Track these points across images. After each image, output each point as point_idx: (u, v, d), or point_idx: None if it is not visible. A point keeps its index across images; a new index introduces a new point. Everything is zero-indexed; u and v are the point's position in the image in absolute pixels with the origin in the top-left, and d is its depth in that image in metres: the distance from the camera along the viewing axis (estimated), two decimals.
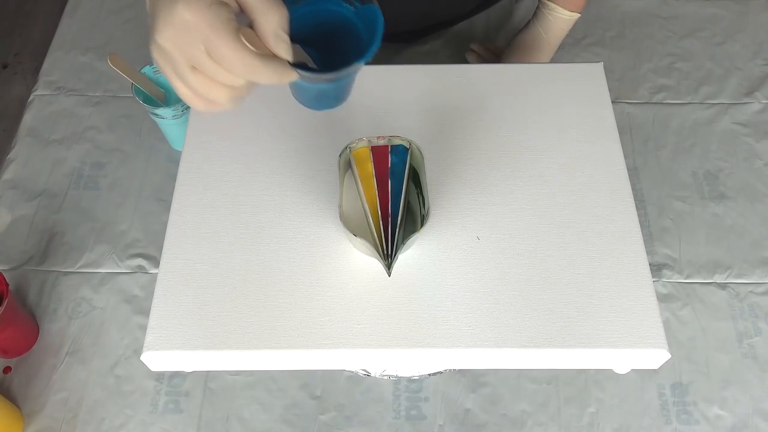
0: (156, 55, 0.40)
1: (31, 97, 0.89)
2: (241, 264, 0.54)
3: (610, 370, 0.54)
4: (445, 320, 0.51)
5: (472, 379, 0.68)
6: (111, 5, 0.97)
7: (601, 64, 0.66)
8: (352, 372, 0.68)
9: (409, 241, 0.51)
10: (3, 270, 0.73)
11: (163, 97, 0.76)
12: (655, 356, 0.51)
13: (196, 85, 0.40)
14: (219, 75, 0.39)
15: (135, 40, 0.94)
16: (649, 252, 0.75)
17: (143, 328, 0.52)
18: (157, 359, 0.51)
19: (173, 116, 0.75)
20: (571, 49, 0.93)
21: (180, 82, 0.40)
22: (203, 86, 0.40)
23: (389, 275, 0.50)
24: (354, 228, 0.51)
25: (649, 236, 0.77)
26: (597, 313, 0.51)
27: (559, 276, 0.53)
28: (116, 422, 0.66)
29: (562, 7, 0.79)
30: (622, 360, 0.52)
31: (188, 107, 0.62)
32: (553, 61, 0.86)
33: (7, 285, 0.64)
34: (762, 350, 0.70)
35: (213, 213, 0.57)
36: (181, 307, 0.52)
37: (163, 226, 0.56)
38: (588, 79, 0.65)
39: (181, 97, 0.41)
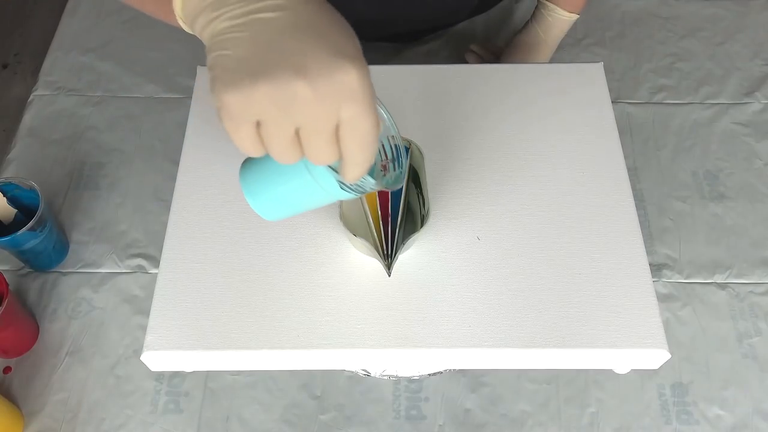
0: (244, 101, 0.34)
1: (31, 97, 0.89)
2: (241, 264, 0.54)
3: (610, 370, 0.54)
4: (445, 320, 0.51)
5: (472, 379, 0.68)
6: (111, 5, 0.97)
7: (601, 64, 0.66)
8: (352, 372, 0.68)
9: (409, 241, 0.51)
10: (3, 270, 0.73)
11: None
12: (655, 356, 0.51)
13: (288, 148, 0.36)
14: (328, 145, 0.36)
15: (135, 40, 0.94)
16: (649, 252, 0.75)
17: (143, 328, 0.52)
18: (157, 359, 0.51)
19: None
20: (571, 49, 0.93)
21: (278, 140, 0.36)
22: (315, 151, 0.36)
23: (389, 275, 0.50)
24: (354, 228, 0.51)
25: (649, 236, 0.77)
26: (597, 313, 0.51)
27: (559, 276, 0.53)
28: (116, 422, 0.66)
29: (560, 7, 0.79)
30: (622, 360, 0.52)
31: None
32: (553, 61, 0.86)
33: (7, 285, 0.64)
34: (762, 350, 0.70)
35: (213, 213, 0.57)
36: (181, 307, 0.52)
37: (163, 226, 0.56)
38: (588, 79, 0.65)
39: (244, 146, 0.37)
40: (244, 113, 0.35)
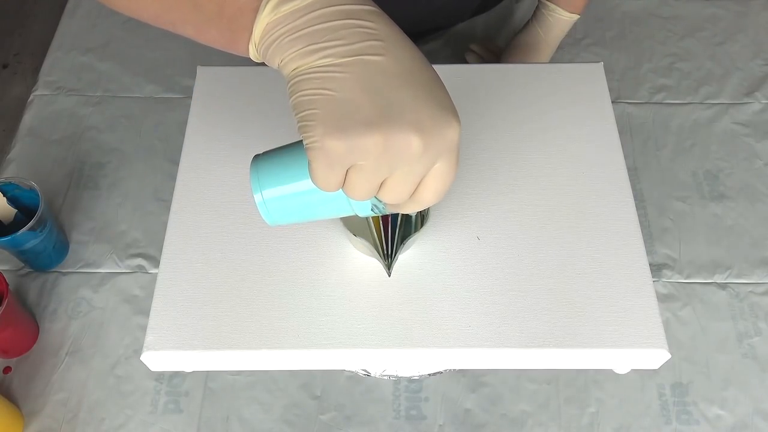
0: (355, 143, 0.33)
1: (31, 97, 0.89)
2: (241, 264, 0.54)
3: (610, 370, 0.54)
4: (445, 320, 0.51)
5: (472, 379, 0.68)
6: None
7: (601, 64, 0.66)
8: (352, 372, 0.68)
9: (409, 241, 0.51)
10: (3, 270, 0.73)
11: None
12: (655, 356, 0.51)
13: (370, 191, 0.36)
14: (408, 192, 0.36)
15: (135, 40, 0.94)
16: (649, 252, 0.75)
17: (143, 328, 0.52)
18: (157, 359, 0.51)
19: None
20: (571, 49, 0.93)
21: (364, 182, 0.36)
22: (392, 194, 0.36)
23: (389, 275, 0.50)
24: (354, 228, 0.51)
25: (649, 236, 0.77)
26: (597, 313, 0.51)
27: (559, 276, 0.53)
28: (116, 422, 0.66)
29: (561, 8, 0.79)
30: (622, 360, 0.52)
31: None
32: (553, 61, 0.86)
33: (7, 285, 0.64)
34: (762, 350, 0.70)
35: (213, 213, 0.57)
36: (181, 307, 0.52)
37: (163, 226, 0.56)
38: (588, 79, 0.65)
39: (325, 184, 0.36)
40: (344, 158, 0.34)
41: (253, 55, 0.38)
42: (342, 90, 0.34)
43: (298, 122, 0.35)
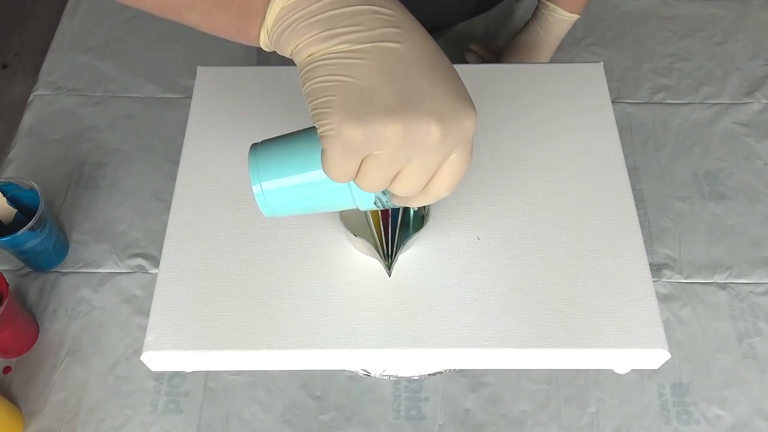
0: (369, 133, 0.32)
1: (31, 97, 0.89)
2: (241, 264, 0.54)
3: (610, 370, 0.54)
4: (445, 320, 0.51)
5: (472, 379, 0.68)
6: (111, 5, 0.98)
7: (601, 64, 0.66)
8: (352, 372, 0.68)
9: (409, 241, 0.51)
10: (3, 270, 0.73)
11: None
12: (655, 356, 0.51)
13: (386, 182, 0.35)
14: (420, 184, 0.36)
15: (135, 40, 0.94)
16: (649, 252, 0.75)
17: (143, 328, 0.52)
18: (157, 359, 0.51)
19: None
20: (571, 49, 0.93)
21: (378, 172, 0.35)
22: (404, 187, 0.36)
23: (389, 275, 0.50)
24: (354, 228, 0.51)
25: (649, 236, 0.77)
26: (597, 313, 0.51)
27: (559, 276, 0.53)
28: (116, 422, 0.66)
29: (561, 8, 0.79)
30: (622, 360, 0.52)
31: None
32: (553, 61, 0.86)
33: (7, 285, 0.64)
34: (762, 350, 0.70)
35: (213, 213, 0.57)
36: (181, 307, 0.52)
37: (163, 226, 0.56)
38: (588, 79, 0.65)
39: (337, 173, 0.35)
40: (361, 147, 0.33)
41: (263, 42, 0.37)
42: (360, 76, 0.33)
43: (312, 110, 0.34)
